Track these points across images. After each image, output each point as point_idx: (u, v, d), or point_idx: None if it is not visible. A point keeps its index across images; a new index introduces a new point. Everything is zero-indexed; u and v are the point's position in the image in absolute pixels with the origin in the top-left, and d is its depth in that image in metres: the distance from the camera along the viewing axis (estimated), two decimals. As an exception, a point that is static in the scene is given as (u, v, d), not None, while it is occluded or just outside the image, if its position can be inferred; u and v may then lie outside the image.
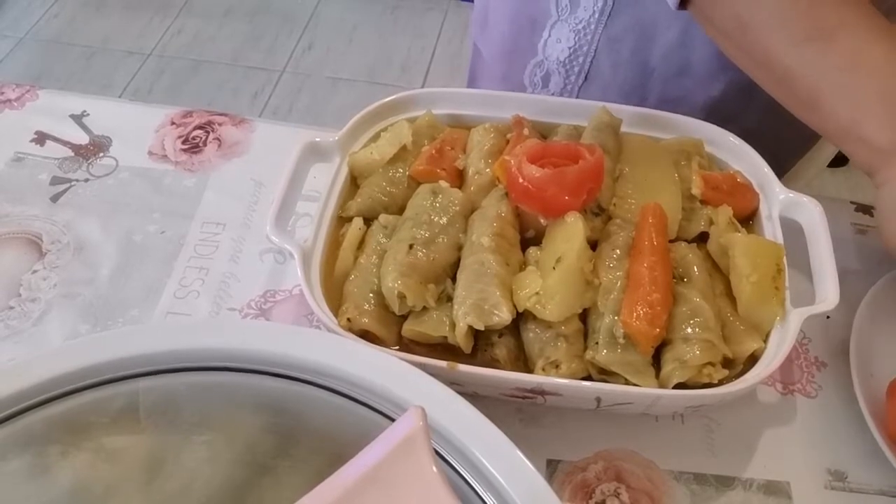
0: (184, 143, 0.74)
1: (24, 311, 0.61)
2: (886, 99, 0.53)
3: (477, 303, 0.51)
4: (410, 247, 0.54)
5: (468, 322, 0.50)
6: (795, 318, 0.51)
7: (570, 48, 0.73)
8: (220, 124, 0.76)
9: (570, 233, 0.53)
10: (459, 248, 0.56)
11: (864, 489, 0.53)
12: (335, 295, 0.55)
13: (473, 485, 0.38)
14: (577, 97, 0.77)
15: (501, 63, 0.82)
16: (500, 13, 0.80)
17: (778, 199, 0.60)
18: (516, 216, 0.57)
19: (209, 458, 0.41)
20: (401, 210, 0.59)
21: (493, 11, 0.81)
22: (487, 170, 0.60)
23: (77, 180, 0.70)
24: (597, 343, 0.51)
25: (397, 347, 0.53)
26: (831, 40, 0.53)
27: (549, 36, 0.74)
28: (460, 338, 0.51)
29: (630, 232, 0.56)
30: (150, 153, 0.73)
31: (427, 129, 0.64)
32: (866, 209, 0.71)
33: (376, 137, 0.64)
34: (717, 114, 0.69)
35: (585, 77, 0.75)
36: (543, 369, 0.50)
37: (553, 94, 0.78)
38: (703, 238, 0.59)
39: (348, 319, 0.52)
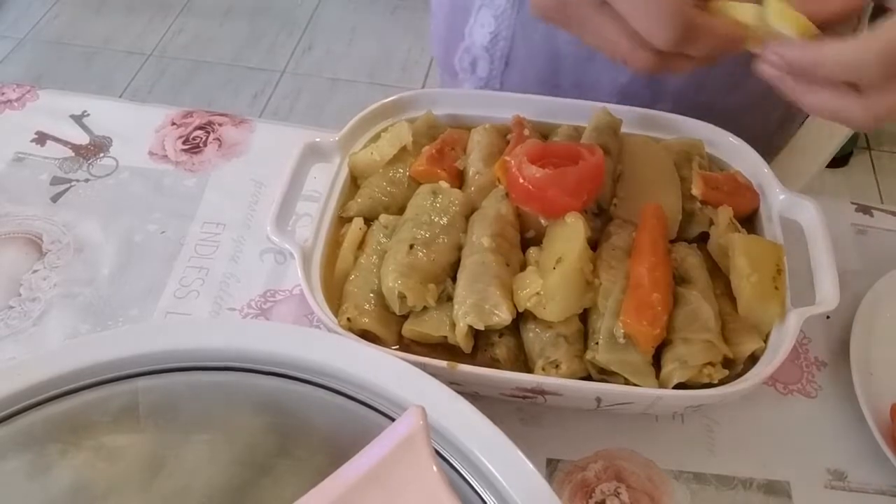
0: (184, 143, 0.74)
1: (24, 310, 0.61)
2: None
3: (477, 303, 0.51)
4: (411, 247, 0.54)
5: (468, 322, 0.50)
6: (795, 318, 0.51)
7: (491, 33, 0.73)
8: (220, 125, 0.76)
9: (571, 233, 0.53)
10: (460, 248, 0.56)
11: (864, 489, 0.53)
12: (335, 295, 0.55)
13: (473, 484, 0.38)
14: (500, 83, 0.77)
15: (440, 48, 0.82)
16: None
17: (778, 199, 0.60)
18: (517, 216, 0.57)
19: (209, 457, 0.41)
20: (401, 210, 0.59)
21: None
22: (488, 170, 0.60)
23: (77, 180, 0.70)
24: (597, 343, 0.51)
25: (397, 347, 0.53)
26: None
27: (475, 21, 0.74)
28: (460, 338, 0.51)
29: (630, 232, 0.56)
30: (151, 153, 0.73)
31: (427, 130, 0.64)
32: (866, 209, 0.71)
33: (376, 138, 0.64)
34: (628, 100, 0.68)
35: (506, 63, 0.75)
36: (543, 369, 0.50)
37: (481, 80, 0.78)
38: (703, 238, 0.59)
39: (348, 319, 0.52)
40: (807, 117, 0.81)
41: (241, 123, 0.76)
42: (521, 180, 0.54)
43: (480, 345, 0.53)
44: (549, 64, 0.73)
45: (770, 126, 0.66)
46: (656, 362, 0.52)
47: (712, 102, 0.71)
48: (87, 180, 0.70)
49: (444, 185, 0.59)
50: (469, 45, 0.76)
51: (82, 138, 0.74)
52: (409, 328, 0.53)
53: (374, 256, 0.56)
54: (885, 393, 0.56)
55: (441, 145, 0.62)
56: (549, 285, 0.51)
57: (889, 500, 0.53)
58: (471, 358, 0.52)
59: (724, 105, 0.71)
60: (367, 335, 0.52)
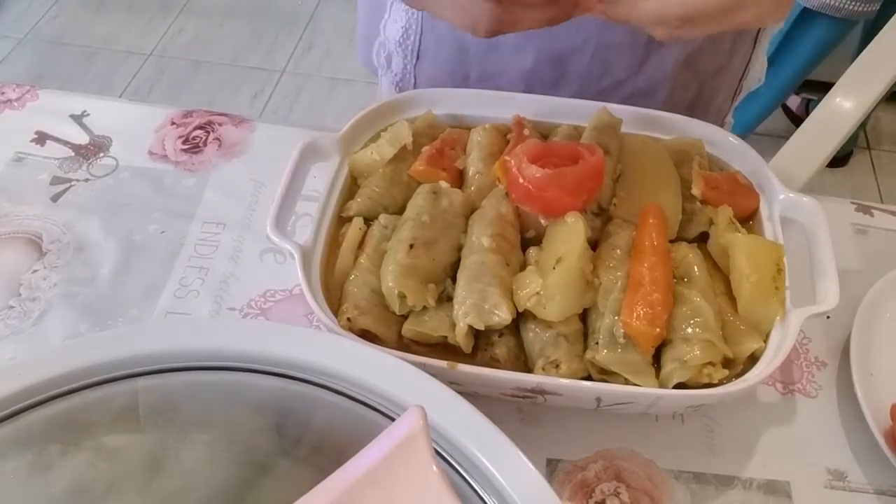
0: (184, 143, 0.74)
1: (24, 310, 0.61)
2: None
3: (477, 303, 0.51)
4: (411, 247, 0.54)
5: (468, 322, 0.50)
6: (795, 318, 0.51)
7: (402, 27, 0.74)
8: (220, 124, 0.76)
9: (571, 233, 0.53)
10: (460, 248, 0.56)
11: (864, 489, 0.53)
12: (335, 295, 0.55)
13: (473, 485, 0.38)
14: (414, 77, 0.78)
15: (362, 45, 0.83)
16: None
17: (778, 199, 0.60)
18: (516, 216, 0.57)
19: (209, 457, 0.41)
20: (401, 210, 0.59)
21: None
22: (488, 170, 0.60)
23: (77, 180, 0.70)
24: (597, 343, 0.51)
25: (397, 347, 0.53)
26: None
27: (389, 16, 0.75)
28: (460, 338, 0.51)
29: (630, 232, 0.56)
30: (151, 153, 0.73)
31: (427, 129, 0.64)
32: (866, 209, 0.71)
33: (376, 138, 0.64)
34: (534, 83, 0.69)
35: (418, 56, 0.76)
36: (543, 369, 0.50)
37: (396, 75, 0.79)
38: (703, 238, 0.59)
39: (348, 319, 0.52)
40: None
41: (241, 123, 0.76)
42: (521, 180, 0.54)
43: (480, 345, 0.53)
44: (457, 55, 0.74)
45: (678, 109, 0.66)
46: (656, 362, 0.52)
47: (619, 84, 0.71)
48: (87, 180, 0.70)
49: (444, 185, 0.59)
50: (384, 41, 0.78)
51: (82, 138, 0.74)
52: (409, 328, 0.53)
53: (374, 256, 0.56)
54: (885, 393, 0.56)
55: (441, 145, 0.62)
56: (549, 285, 0.51)
57: (889, 500, 0.53)
58: (471, 358, 0.52)
59: (632, 87, 0.71)
60: (367, 335, 0.52)
